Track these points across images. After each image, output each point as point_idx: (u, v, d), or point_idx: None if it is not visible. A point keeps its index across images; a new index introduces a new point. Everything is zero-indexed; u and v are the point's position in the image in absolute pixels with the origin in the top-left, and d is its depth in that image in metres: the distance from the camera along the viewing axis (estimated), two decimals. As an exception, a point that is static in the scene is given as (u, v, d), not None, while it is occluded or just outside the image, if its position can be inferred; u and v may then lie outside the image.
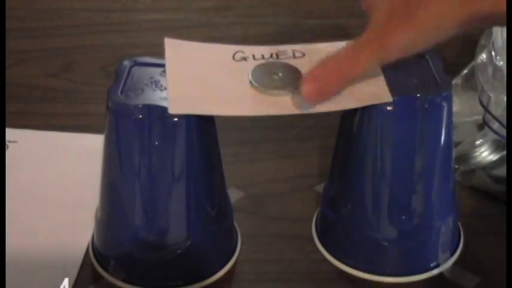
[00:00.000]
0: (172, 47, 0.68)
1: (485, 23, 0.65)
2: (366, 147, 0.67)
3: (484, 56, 0.79)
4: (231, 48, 0.69)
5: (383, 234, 0.69)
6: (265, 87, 0.65)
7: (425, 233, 0.70)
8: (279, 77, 0.66)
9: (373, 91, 0.65)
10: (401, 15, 0.62)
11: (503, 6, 0.60)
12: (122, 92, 0.64)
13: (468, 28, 0.62)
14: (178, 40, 0.69)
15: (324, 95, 0.63)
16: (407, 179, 0.68)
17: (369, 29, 0.63)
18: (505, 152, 0.77)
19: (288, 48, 0.68)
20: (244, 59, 0.67)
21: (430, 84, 0.66)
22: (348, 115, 0.67)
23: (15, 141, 0.83)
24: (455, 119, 0.67)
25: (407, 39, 0.62)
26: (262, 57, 0.67)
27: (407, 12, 0.62)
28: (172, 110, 0.62)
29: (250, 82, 0.65)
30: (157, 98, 0.64)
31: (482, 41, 0.80)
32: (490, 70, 0.77)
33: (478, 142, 0.79)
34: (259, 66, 0.66)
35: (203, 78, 0.66)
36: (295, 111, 0.64)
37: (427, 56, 0.68)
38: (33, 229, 0.74)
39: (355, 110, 0.65)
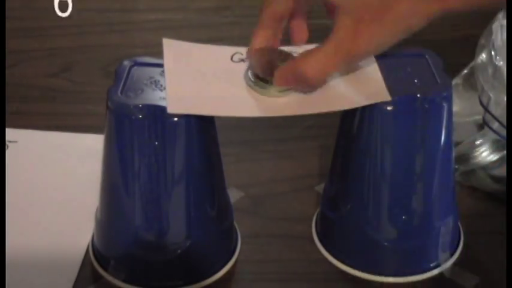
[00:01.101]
0: (171, 47, 0.68)
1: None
2: (366, 147, 0.67)
3: (484, 56, 0.78)
4: (229, 50, 0.69)
5: (383, 234, 0.69)
6: (262, 87, 0.65)
7: (425, 233, 0.70)
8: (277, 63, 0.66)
9: (372, 91, 0.65)
10: (371, 16, 0.61)
11: (467, 2, 0.61)
12: (121, 92, 0.64)
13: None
14: (177, 41, 0.69)
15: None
16: (408, 179, 0.68)
17: (335, 33, 0.63)
18: (505, 152, 0.77)
19: (286, 49, 0.68)
20: (242, 60, 0.68)
21: (430, 84, 0.66)
22: (348, 115, 0.67)
23: (15, 141, 0.83)
24: (455, 119, 0.67)
25: (377, 39, 0.62)
26: None
27: (376, 12, 0.61)
28: (170, 110, 0.62)
29: (249, 85, 0.66)
30: (157, 98, 0.64)
31: (482, 41, 0.80)
32: (490, 70, 0.77)
33: (478, 142, 0.79)
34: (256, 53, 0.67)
35: (201, 78, 0.66)
36: (294, 112, 0.64)
37: (427, 56, 0.68)
38: (33, 229, 0.74)
39: (355, 110, 0.65)
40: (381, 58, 0.67)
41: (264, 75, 0.65)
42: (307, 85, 0.64)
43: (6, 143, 0.83)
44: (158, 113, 0.63)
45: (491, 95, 0.76)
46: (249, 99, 0.65)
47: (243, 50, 0.68)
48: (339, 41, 0.62)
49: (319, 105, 0.64)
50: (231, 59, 0.68)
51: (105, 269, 0.70)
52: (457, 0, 0.61)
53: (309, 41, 0.68)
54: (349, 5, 0.62)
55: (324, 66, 0.63)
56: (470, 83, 0.83)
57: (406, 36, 0.63)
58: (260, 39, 0.66)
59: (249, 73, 0.66)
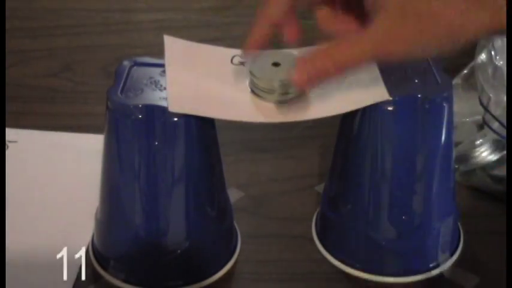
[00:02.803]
0: (172, 45, 0.68)
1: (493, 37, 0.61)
2: (366, 147, 0.67)
3: (484, 56, 0.78)
4: (229, 52, 0.69)
5: (383, 234, 0.69)
6: (264, 91, 0.65)
7: (425, 233, 0.70)
8: (280, 66, 0.66)
9: (371, 91, 0.65)
10: (415, 17, 0.58)
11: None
12: (121, 92, 0.64)
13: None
14: (178, 38, 0.69)
15: (314, 81, 0.62)
16: (408, 179, 0.68)
17: (373, 29, 0.60)
18: (505, 152, 0.77)
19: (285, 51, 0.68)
20: (242, 63, 0.68)
21: (431, 84, 0.66)
22: (348, 115, 0.67)
23: (15, 141, 0.83)
24: (455, 119, 0.67)
25: (412, 49, 0.60)
26: None
27: (418, 21, 0.58)
28: (172, 109, 0.62)
29: (252, 89, 0.66)
30: (157, 98, 0.64)
31: (482, 41, 0.80)
32: (490, 70, 0.77)
33: (478, 142, 0.79)
34: (259, 56, 0.66)
35: (202, 79, 0.66)
36: (294, 118, 0.64)
37: (427, 56, 0.68)
38: (33, 229, 0.74)
39: (356, 110, 0.65)
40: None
41: (263, 75, 0.65)
42: (330, 75, 0.62)
43: (6, 143, 0.83)
44: (158, 113, 0.63)
45: (491, 95, 0.76)
46: (251, 104, 0.65)
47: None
48: (377, 41, 0.60)
49: (320, 110, 0.64)
50: (231, 61, 0.68)
51: (105, 269, 0.70)
52: (498, 19, 0.56)
53: (307, 42, 0.68)
54: (392, 2, 0.59)
55: (357, 59, 0.61)
56: (470, 83, 0.83)
57: (452, 50, 0.59)
58: (255, 40, 0.66)
59: (251, 78, 0.66)
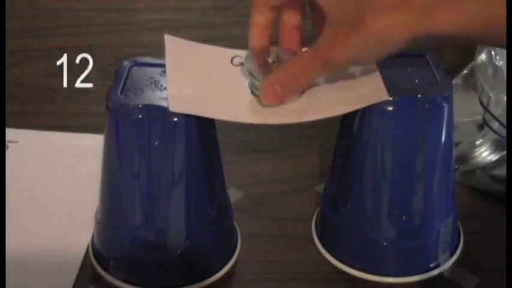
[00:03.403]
0: (172, 44, 0.68)
1: (435, 40, 0.60)
2: (366, 147, 0.67)
3: (484, 56, 0.78)
4: (229, 52, 0.69)
5: (383, 234, 0.69)
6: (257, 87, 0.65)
7: (425, 233, 0.70)
8: (275, 63, 0.66)
9: (371, 91, 0.65)
10: (349, 26, 0.60)
11: (458, 26, 0.58)
12: (121, 92, 0.64)
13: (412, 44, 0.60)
14: (178, 38, 0.69)
15: (279, 99, 0.64)
16: (408, 179, 0.68)
17: (318, 39, 0.62)
18: (505, 152, 0.77)
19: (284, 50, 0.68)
20: (242, 64, 0.68)
21: (431, 85, 0.66)
22: (348, 115, 0.67)
23: (15, 141, 0.83)
24: (455, 119, 0.67)
25: (352, 51, 0.61)
26: None
27: (354, 23, 0.60)
28: (172, 108, 0.62)
29: (252, 91, 0.66)
30: (157, 98, 0.64)
31: (482, 41, 0.80)
32: (490, 70, 0.77)
33: (478, 142, 0.79)
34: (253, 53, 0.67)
35: (203, 79, 0.66)
36: (294, 120, 0.64)
37: (427, 56, 0.68)
38: (33, 229, 0.74)
39: (356, 110, 0.65)
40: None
41: (262, 76, 0.65)
42: (294, 87, 0.65)
43: (6, 143, 0.83)
44: (158, 113, 0.63)
45: (491, 95, 0.76)
46: (251, 105, 0.65)
47: (242, 53, 0.68)
48: (318, 48, 0.62)
49: (320, 111, 0.64)
50: (231, 62, 0.68)
51: (105, 269, 0.70)
52: (447, 23, 0.58)
53: (308, 42, 0.68)
54: (333, 11, 0.61)
55: (306, 71, 0.64)
56: (470, 83, 0.83)
57: (383, 54, 0.61)
58: (257, 33, 0.67)
59: (251, 79, 0.66)
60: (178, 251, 0.68)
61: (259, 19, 0.67)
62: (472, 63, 0.82)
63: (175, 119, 0.63)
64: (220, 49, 0.69)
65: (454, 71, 0.84)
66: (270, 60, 0.66)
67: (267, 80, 0.64)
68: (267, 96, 0.64)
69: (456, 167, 0.76)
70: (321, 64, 0.63)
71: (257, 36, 0.67)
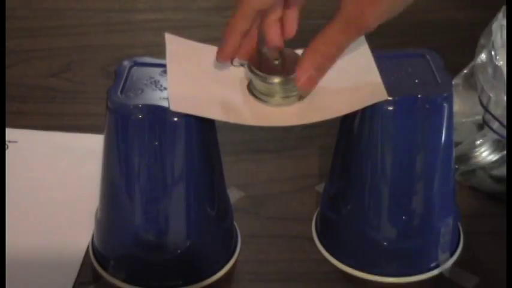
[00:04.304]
0: (173, 43, 0.68)
1: None
2: (366, 147, 0.67)
3: (484, 56, 0.78)
4: None
5: (383, 235, 0.69)
6: (264, 94, 0.65)
7: (425, 233, 0.70)
8: (279, 62, 0.66)
9: (371, 91, 0.65)
10: None
11: None
12: (121, 92, 0.64)
13: None
14: (179, 37, 0.69)
15: (316, 84, 0.64)
16: (408, 179, 0.68)
17: (341, 9, 0.63)
18: (505, 152, 0.77)
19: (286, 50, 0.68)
20: (242, 65, 0.68)
21: (431, 85, 0.66)
22: (348, 115, 0.67)
23: (15, 141, 0.83)
24: (455, 119, 0.67)
25: (383, 11, 0.62)
26: None
27: None
28: (173, 108, 0.62)
29: (253, 93, 0.66)
30: (157, 98, 0.64)
31: (482, 41, 0.80)
32: (490, 70, 0.77)
33: (478, 142, 0.79)
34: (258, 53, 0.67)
35: (203, 80, 0.66)
36: (294, 122, 0.64)
37: (427, 56, 0.68)
38: (33, 229, 0.74)
39: (356, 110, 0.65)
40: (382, 58, 0.67)
41: (263, 78, 0.65)
42: (326, 63, 0.64)
43: (6, 143, 0.83)
44: (158, 113, 0.63)
45: (491, 95, 0.76)
46: (251, 107, 0.65)
47: None
48: (346, 18, 0.63)
49: (320, 113, 0.64)
50: (231, 62, 0.68)
51: (105, 269, 0.70)
52: None
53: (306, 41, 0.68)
54: None
55: (340, 44, 0.63)
56: (470, 83, 0.83)
57: (408, 5, 0.63)
58: (236, 42, 0.66)
59: (251, 81, 0.66)
60: (178, 251, 0.68)
61: (243, 26, 0.66)
62: (472, 63, 0.82)
63: (176, 119, 0.63)
64: None
65: (454, 71, 0.84)
66: (276, 61, 0.66)
67: (300, 67, 0.63)
68: (304, 84, 0.64)
69: (456, 167, 0.76)
70: (353, 33, 0.63)
71: (234, 45, 0.66)
